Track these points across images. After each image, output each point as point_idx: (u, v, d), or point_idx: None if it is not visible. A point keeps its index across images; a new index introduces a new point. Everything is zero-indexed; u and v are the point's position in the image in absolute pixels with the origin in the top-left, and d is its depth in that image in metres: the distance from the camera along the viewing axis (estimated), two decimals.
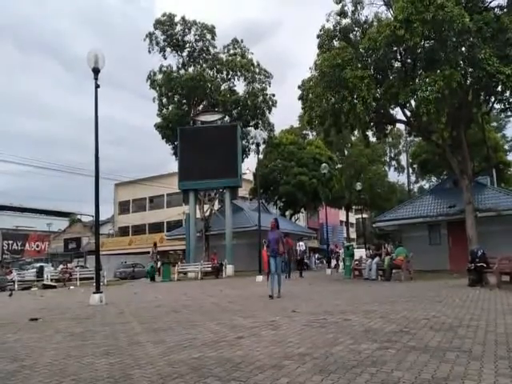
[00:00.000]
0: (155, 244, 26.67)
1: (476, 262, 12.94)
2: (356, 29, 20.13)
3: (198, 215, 29.65)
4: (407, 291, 12.02)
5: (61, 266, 27.02)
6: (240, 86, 33.41)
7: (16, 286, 22.97)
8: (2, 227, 54.99)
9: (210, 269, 24.79)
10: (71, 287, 21.86)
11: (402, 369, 3.80)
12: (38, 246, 56.13)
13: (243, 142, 31.75)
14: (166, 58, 32.52)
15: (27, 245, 55.33)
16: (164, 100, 32.82)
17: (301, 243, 25.91)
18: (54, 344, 5.71)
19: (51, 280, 24.04)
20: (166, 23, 31.79)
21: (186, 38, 32.34)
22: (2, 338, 6.34)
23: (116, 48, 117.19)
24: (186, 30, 32.24)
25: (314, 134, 45.60)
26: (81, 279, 24.06)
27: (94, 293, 11.71)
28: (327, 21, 19.99)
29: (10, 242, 54.04)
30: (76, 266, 33.65)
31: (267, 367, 4.03)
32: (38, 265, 34.55)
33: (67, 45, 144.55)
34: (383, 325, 6.23)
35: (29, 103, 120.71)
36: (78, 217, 61.57)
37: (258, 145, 27.00)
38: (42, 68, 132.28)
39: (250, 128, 33.24)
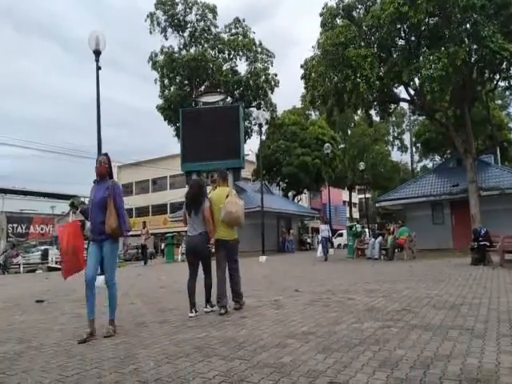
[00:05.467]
0: (145, 223, 25.20)
1: (479, 241, 12.96)
2: (359, 6, 19.82)
3: None
4: (410, 270, 12.07)
5: None
6: (242, 66, 33.28)
7: (22, 269, 23.20)
8: (6, 210, 55.22)
9: (213, 250, 24.87)
10: None
11: (405, 347, 3.83)
12: (42, 229, 56.31)
13: (246, 123, 31.58)
14: (167, 39, 32.29)
15: (31, 228, 55.52)
16: (166, 81, 32.59)
17: (357, 225, 25.44)
18: (60, 325, 5.78)
19: (56, 262, 24.23)
20: (167, 3, 31.42)
21: (188, 18, 32.01)
22: (8, 320, 6.41)
23: (116, 29, 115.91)
24: (188, 10, 31.89)
25: (317, 113, 45.32)
26: (85, 261, 24.25)
27: (99, 275, 11.76)
28: None
29: (15, 225, 54.25)
30: None
31: (270, 346, 4.07)
32: (43, 247, 34.76)
33: (66, 26, 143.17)
34: (386, 304, 6.27)
35: (29, 86, 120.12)
36: (82, 199, 61.69)
37: (260, 125, 26.86)
38: (42, 50, 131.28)
39: (252, 109, 33.07)
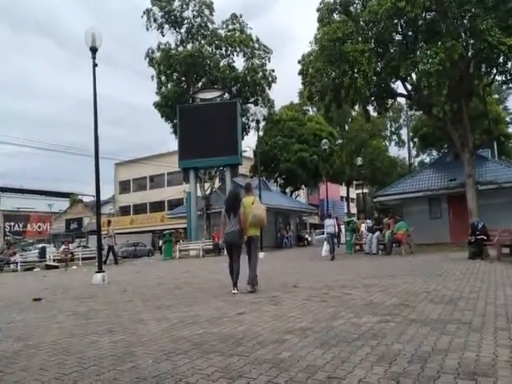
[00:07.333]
0: (109, 222, 23.78)
1: (476, 235, 13.00)
2: (356, 1, 19.77)
3: (199, 193, 29.64)
4: (407, 265, 12.09)
5: (63, 247, 27.12)
6: (239, 62, 33.06)
7: (19, 267, 23.16)
8: (3, 209, 55.11)
9: (211, 246, 24.92)
10: (73, 267, 22.02)
11: (403, 341, 3.84)
12: (39, 227, 56.25)
13: (243, 119, 31.54)
14: (164, 35, 32.11)
15: (29, 226, 55.41)
16: (163, 78, 32.48)
17: (368, 221, 24.81)
18: (58, 323, 5.77)
19: (53, 260, 24.21)
20: None
21: (184, 14, 31.84)
22: (6, 318, 6.40)
23: (112, 26, 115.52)
24: (184, 6, 31.72)
25: (315, 109, 45.29)
26: (83, 259, 24.22)
27: (97, 272, 11.78)
28: None
29: (12, 223, 54.14)
30: (78, 246, 33.82)
31: (269, 342, 4.07)
32: (40, 245, 34.68)
33: (61, 23, 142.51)
34: (384, 298, 6.28)
35: (25, 83, 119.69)
36: (79, 197, 61.73)
37: (257, 122, 26.86)
38: (37, 48, 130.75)
39: (249, 105, 33.00)
